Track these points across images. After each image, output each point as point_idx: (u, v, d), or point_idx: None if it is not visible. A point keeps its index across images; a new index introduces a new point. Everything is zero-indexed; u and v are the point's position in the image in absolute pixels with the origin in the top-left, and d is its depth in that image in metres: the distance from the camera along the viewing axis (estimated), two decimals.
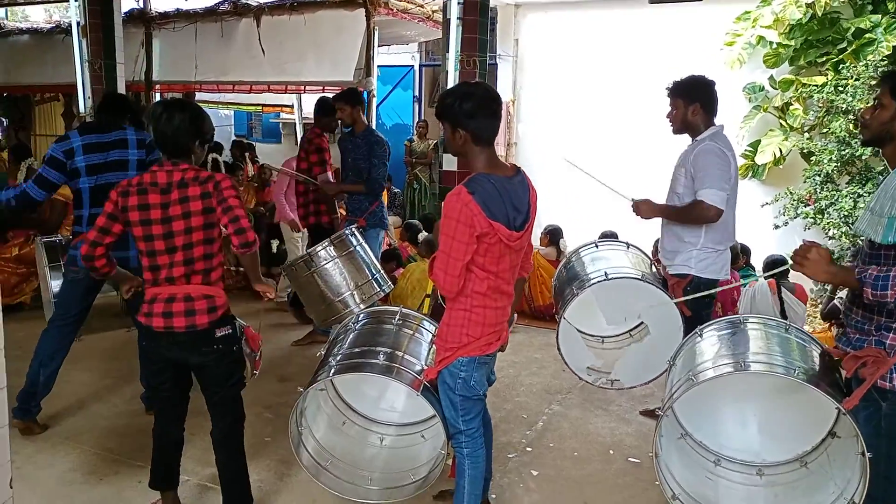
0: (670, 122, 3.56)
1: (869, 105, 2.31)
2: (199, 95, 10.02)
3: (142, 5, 8.65)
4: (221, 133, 13.14)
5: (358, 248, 4.38)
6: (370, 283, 4.34)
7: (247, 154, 10.21)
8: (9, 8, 12.34)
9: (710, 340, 2.74)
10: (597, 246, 3.86)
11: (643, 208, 3.54)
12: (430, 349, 2.89)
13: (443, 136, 2.54)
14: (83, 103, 7.24)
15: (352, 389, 3.24)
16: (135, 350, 4.03)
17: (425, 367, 2.72)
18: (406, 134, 10.81)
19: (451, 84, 5.32)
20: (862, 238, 2.24)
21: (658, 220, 3.66)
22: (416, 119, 10.88)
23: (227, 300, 2.72)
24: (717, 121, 3.57)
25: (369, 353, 2.78)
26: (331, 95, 5.41)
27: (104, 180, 3.58)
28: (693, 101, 3.45)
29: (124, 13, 7.68)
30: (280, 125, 12.52)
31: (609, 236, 5.69)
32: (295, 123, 11.14)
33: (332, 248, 4.22)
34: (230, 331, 2.71)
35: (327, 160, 5.42)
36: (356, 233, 4.44)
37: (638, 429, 3.86)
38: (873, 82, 6.58)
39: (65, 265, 3.86)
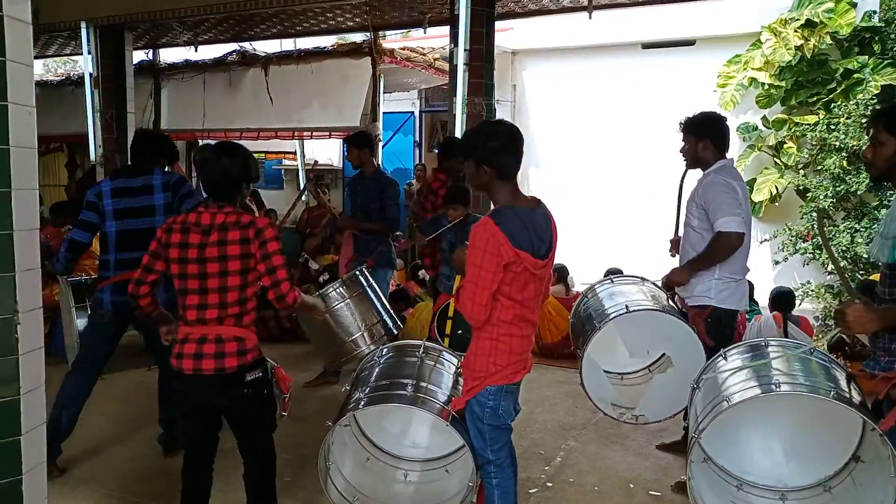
0: (683, 157, 3.68)
1: (868, 145, 2.40)
2: (203, 143, 10.24)
3: (151, 57, 8.90)
4: None
5: (368, 288, 4.43)
6: (381, 324, 4.38)
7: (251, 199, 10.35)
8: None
9: (734, 363, 2.80)
10: (612, 281, 3.91)
11: (675, 277, 3.57)
12: (453, 380, 2.95)
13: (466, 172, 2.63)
14: (94, 152, 7.39)
15: (375, 426, 3.27)
16: (153, 390, 4.09)
17: (450, 397, 2.76)
18: (407, 177, 11.00)
19: (458, 127, 5.49)
20: (880, 263, 2.32)
21: (663, 252, 3.70)
22: (416, 163, 11.11)
23: (257, 344, 2.72)
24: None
25: (395, 385, 2.83)
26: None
27: (130, 226, 3.60)
28: (703, 138, 3.56)
29: (134, 64, 7.91)
30: (282, 172, 12.71)
31: (614, 272, 5.76)
32: (297, 169, 11.32)
33: (343, 288, 4.24)
34: (260, 374, 2.70)
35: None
36: (366, 273, 4.49)
37: (656, 462, 3.87)
38: (864, 120, 6.81)
39: (91, 308, 3.83)
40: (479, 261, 2.35)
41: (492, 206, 2.53)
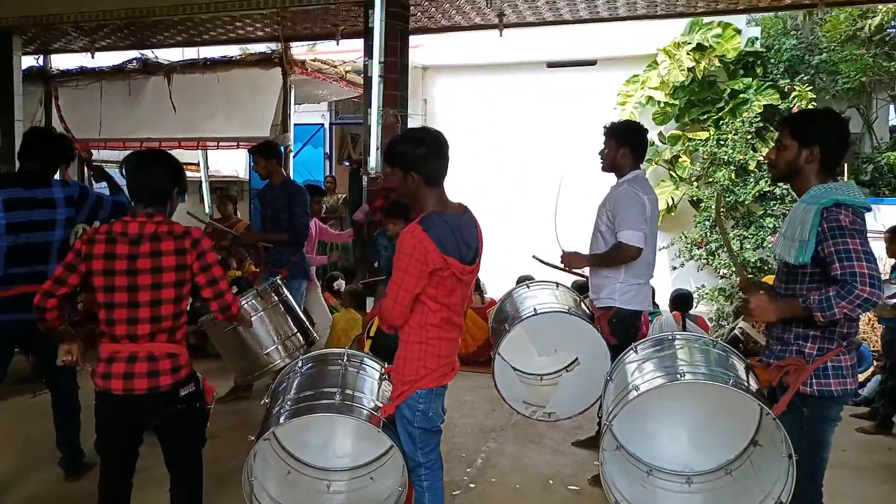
0: (601, 159, 3.81)
1: (772, 147, 2.56)
2: (98, 154, 9.71)
3: (41, 63, 8.39)
4: None
5: (282, 300, 4.35)
6: (296, 336, 4.31)
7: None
8: None
9: (643, 355, 2.95)
10: (528, 287, 4.05)
11: (573, 259, 3.76)
12: (378, 386, 2.94)
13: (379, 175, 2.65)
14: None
15: (295, 440, 3.19)
16: (41, 415, 3.85)
17: (378, 404, 2.76)
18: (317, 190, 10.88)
19: (373, 138, 5.51)
20: (777, 260, 2.51)
21: None
22: (326, 175, 11.01)
23: (189, 358, 2.62)
24: None
25: (321, 394, 2.78)
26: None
27: (25, 240, 3.33)
28: (624, 145, 3.70)
29: (23, 70, 7.42)
30: None
31: (525, 279, 5.93)
32: (201, 181, 10.94)
33: (256, 300, 4.15)
34: (193, 388, 2.61)
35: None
36: (279, 284, 4.41)
37: (572, 459, 4.01)
38: (749, 136, 7.39)
39: None
40: (404, 265, 2.38)
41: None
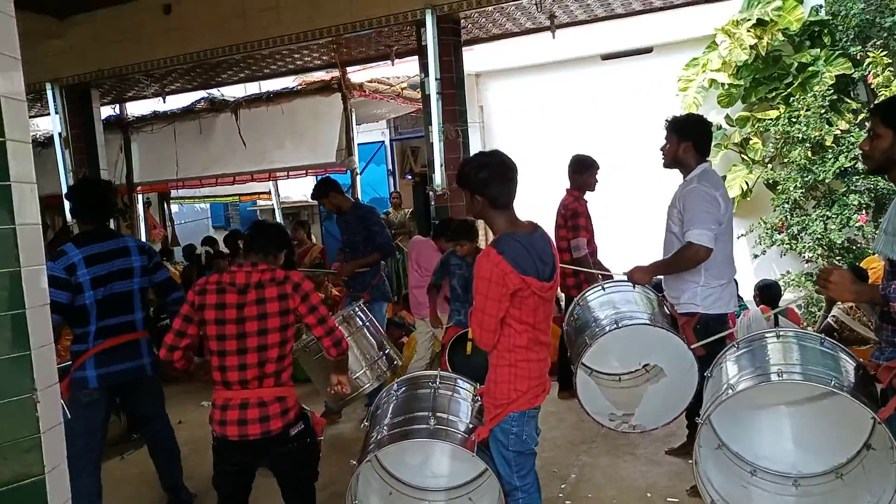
0: (663, 155, 3.67)
1: (864, 138, 2.45)
2: (176, 192, 10.19)
3: (118, 111, 8.87)
4: (199, 226, 13.26)
5: (367, 324, 4.44)
6: (382, 360, 4.39)
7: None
8: None
9: (744, 351, 2.86)
10: (603, 288, 3.88)
11: (637, 276, 3.60)
12: (471, 408, 2.98)
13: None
14: (70, 213, 7.30)
15: (395, 460, 3.27)
16: (136, 474, 3.99)
17: (470, 426, 2.79)
18: (383, 207, 11.06)
19: (437, 154, 5.57)
20: (882, 259, 2.38)
21: (635, 259, 3.77)
22: (392, 191, 11.17)
23: (297, 399, 2.76)
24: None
25: (415, 419, 2.84)
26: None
27: (109, 292, 3.41)
28: (686, 140, 3.54)
29: (102, 120, 7.88)
30: (258, 212, 12.68)
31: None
32: (273, 209, 11.31)
33: (342, 326, 4.26)
34: (302, 427, 2.75)
35: (581, 225, 5.02)
36: (363, 308, 4.51)
37: (668, 469, 3.93)
38: (822, 111, 7.05)
39: (71, 393, 3.36)
40: (484, 290, 2.42)
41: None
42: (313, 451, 2.84)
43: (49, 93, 7.19)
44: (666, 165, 3.70)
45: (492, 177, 2.50)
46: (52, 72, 7.07)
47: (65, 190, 7.30)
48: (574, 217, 5.01)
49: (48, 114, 7.44)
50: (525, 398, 2.53)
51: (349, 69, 7.73)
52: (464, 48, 6.21)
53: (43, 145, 8.59)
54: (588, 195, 5.22)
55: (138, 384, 3.57)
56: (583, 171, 5.12)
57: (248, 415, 2.62)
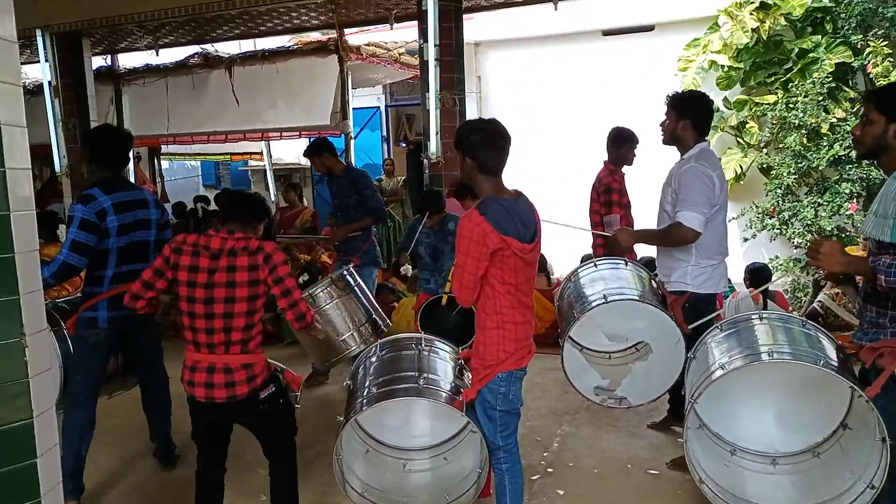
0: (661, 131, 3.65)
1: (857, 122, 2.48)
2: (166, 147, 10.05)
3: (110, 63, 8.69)
4: (189, 184, 13.12)
5: (356, 287, 4.45)
6: (369, 322, 4.41)
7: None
8: None
9: (728, 333, 2.91)
10: (596, 266, 3.88)
11: (622, 237, 3.65)
12: (453, 368, 3.03)
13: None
14: (58, 163, 7.21)
15: (373, 421, 3.32)
16: (125, 411, 4.03)
17: (453, 385, 2.86)
18: (376, 173, 10.99)
19: (432, 122, 5.53)
20: (868, 239, 2.42)
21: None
22: (385, 158, 11.09)
23: (265, 364, 2.77)
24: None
25: (402, 378, 2.88)
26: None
27: (131, 240, 3.48)
28: (684, 117, 3.52)
29: (93, 70, 7.72)
30: (249, 172, 12.56)
31: (589, 258, 5.84)
32: (265, 170, 11.20)
33: (331, 288, 4.27)
34: (273, 389, 2.77)
35: (615, 201, 4.90)
36: (353, 272, 4.51)
37: (650, 442, 4.00)
38: (820, 98, 7.05)
39: (78, 331, 3.50)
40: (465, 248, 2.50)
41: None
42: (286, 410, 2.86)
43: (39, 39, 7.03)
44: (664, 142, 3.67)
45: (483, 141, 2.57)
46: (43, 18, 6.90)
47: (54, 140, 7.19)
48: (607, 192, 4.92)
49: (37, 61, 7.27)
50: (513, 359, 2.60)
51: (347, 31, 7.61)
52: (464, 16, 6.13)
53: (32, 93, 8.41)
54: (579, 173, 5.23)
55: (144, 328, 3.65)
56: (620, 145, 4.98)
57: (214, 378, 2.64)
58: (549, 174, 9.21)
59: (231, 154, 11.39)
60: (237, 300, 2.62)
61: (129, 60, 8.92)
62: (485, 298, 2.59)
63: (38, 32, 6.99)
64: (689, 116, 3.51)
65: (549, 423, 4.35)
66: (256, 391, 2.70)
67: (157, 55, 8.23)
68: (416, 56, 7.84)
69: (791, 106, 7.22)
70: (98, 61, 8.52)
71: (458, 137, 2.64)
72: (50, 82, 7.15)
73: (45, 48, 7.05)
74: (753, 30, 7.67)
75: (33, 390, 2.16)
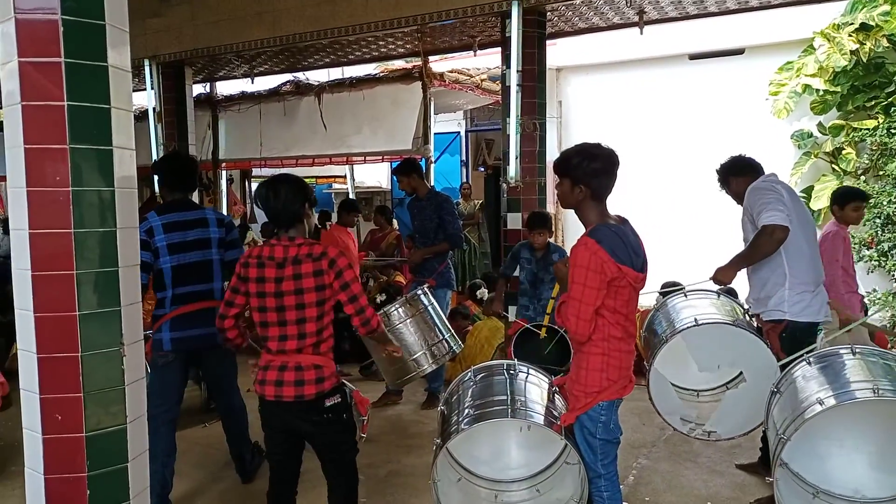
0: (734, 198, 3.84)
1: None
2: (257, 171, 10.54)
3: (208, 90, 9.23)
4: None
5: (429, 307, 4.50)
6: (442, 343, 4.44)
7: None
8: None
9: (822, 367, 2.75)
10: (685, 296, 3.77)
11: (721, 275, 3.49)
12: (547, 395, 2.96)
13: (556, 189, 2.68)
14: (158, 184, 7.66)
15: (464, 452, 3.25)
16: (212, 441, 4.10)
17: (548, 411, 2.79)
18: (454, 197, 11.09)
19: (512, 147, 5.55)
20: None
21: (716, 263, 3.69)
22: (463, 182, 11.20)
23: (335, 370, 2.82)
24: (767, 170, 3.73)
25: (493, 402, 2.83)
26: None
27: (185, 259, 3.54)
28: (738, 176, 3.74)
29: (193, 97, 8.21)
30: (332, 195, 12.96)
31: (670, 285, 5.66)
32: (348, 192, 11.54)
33: (404, 308, 4.34)
34: (339, 400, 2.80)
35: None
36: (427, 293, 4.56)
37: (732, 480, 3.82)
38: None
39: (152, 353, 3.52)
40: (582, 279, 2.42)
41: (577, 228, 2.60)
42: (349, 427, 2.87)
43: (147, 69, 7.54)
44: (739, 202, 3.78)
45: (601, 168, 2.52)
46: (150, 49, 7.41)
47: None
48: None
49: (143, 89, 7.80)
50: (615, 388, 2.55)
51: (430, 58, 7.79)
52: (547, 41, 6.15)
53: (137, 118, 9.00)
54: (672, 201, 5.15)
55: (212, 351, 3.67)
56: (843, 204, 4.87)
57: (284, 376, 2.70)
58: (633, 202, 9.02)
59: (317, 177, 11.80)
60: (307, 306, 2.68)
61: (226, 88, 9.44)
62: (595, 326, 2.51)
63: (146, 62, 7.51)
64: (740, 175, 3.75)
65: (625, 455, 4.21)
66: (323, 395, 2.72)
67: (252, 83, 8.67)
68: (497, 82, 7.94)
69: (893, 131, 6.84)
70: (198, 88, 9.05)
71: (571, 164, 2.54)
72: (154, 108, 7.64)
73: (151, 76, 7.56)
74: (852, 52, 7.33)
75: (128, 397, 2.30)
